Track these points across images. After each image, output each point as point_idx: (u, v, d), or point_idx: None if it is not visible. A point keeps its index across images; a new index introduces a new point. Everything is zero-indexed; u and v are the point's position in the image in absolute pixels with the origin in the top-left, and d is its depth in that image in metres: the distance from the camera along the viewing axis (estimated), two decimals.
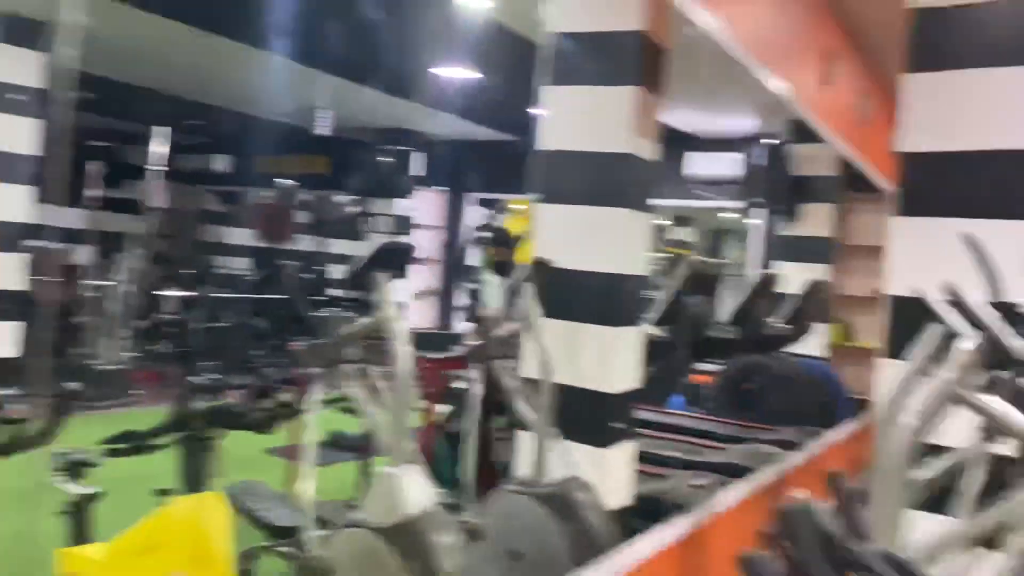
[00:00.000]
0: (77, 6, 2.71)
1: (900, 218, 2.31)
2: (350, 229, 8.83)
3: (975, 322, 1.56)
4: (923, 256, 2.26)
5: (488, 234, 8.30)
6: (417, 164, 9.01)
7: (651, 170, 2.74)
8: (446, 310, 9.65)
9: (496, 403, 2.53)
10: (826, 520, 1.08)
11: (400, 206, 8.97)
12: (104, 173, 8.67)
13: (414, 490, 1.89)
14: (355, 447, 3.42)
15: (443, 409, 3.34)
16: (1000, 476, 1.68)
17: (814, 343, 5.18)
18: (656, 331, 3.50)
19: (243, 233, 9.84)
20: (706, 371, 5.38)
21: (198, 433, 2.03)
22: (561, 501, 2.31)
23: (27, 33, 5.76)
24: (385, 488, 1.89)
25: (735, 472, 3.00)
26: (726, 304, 4.23)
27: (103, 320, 5.80)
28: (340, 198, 9.11)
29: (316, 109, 7.51)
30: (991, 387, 1.66)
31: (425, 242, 9.39)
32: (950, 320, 1.62)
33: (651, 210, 2.82)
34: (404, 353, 1.92)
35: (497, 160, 6.40)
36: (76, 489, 2.05)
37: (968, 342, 1.46)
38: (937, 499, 1.77)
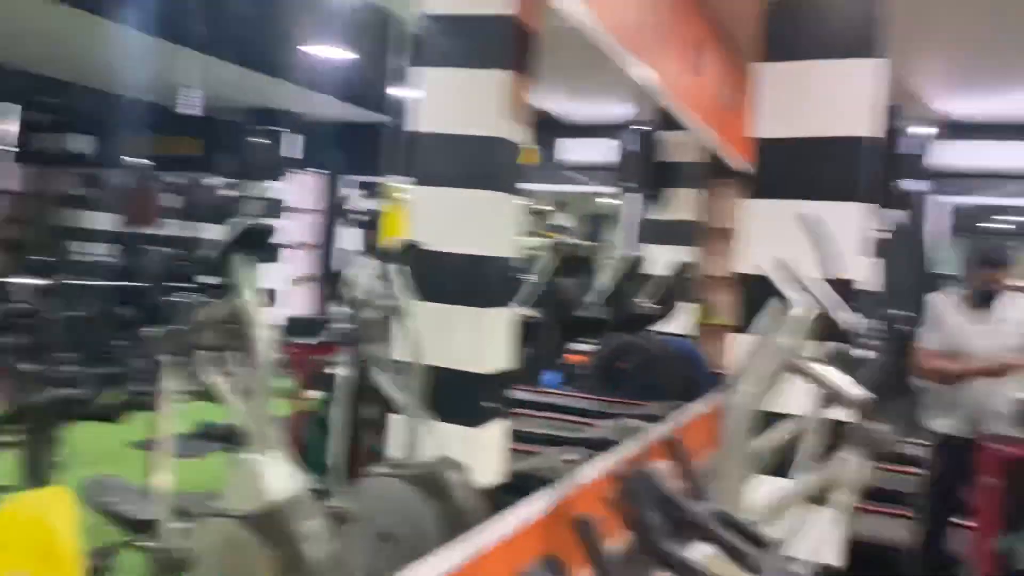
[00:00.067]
0: None
1: (751, 200, 2.44)
2: (222, 213, 8.51)
3: (810, 297, 1.67)
4: (771, 236, 2.40)
5: (364, 217, 8.20)
6: (291, 146, 8.78)
7: (519, 154, 2.77)
8: (325, 296, 9.47)
9: (367, 387, 2.52)
10: (664, 484, 1.14)
11: (273, 189, 8.72)
12: None
13: (278, 477, 1.86)
14: (226, 437, 3.32)
15: (315, 395, 3.29)
16: (835, 440, 1.82)
17: (681, 322, 5.41)
18: (530, 312, 3.56)
19: (106, 217, 9.31)
20: (581, 351, 5.53)
21: (39, 426, 1.91)
22: (432, 481, 2.33)
23: None
24: (247, 475, 1.85)
25: (604, 447, 3.09)
26: (598, 286, 4.35)
27: None
28: (212, 181, 8.76)
29: (183, 88, 7.17)
30: (828, 358, 1.79)
31: (301, 226, 9.16)
32: (789, 295, 1.74)
33: (521, 193, 2.86)
34: (264, 338, 1.88)
35: (375, 142, 6.32)
36: None
37: (801, 315, 1.57)
38: (781, 464, 1.90)
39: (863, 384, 1.54)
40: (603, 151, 7.29)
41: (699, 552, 1.30)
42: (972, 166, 6.97)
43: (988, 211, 8.07)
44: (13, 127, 7.35)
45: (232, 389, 1.89)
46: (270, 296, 7.33)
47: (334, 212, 9.56)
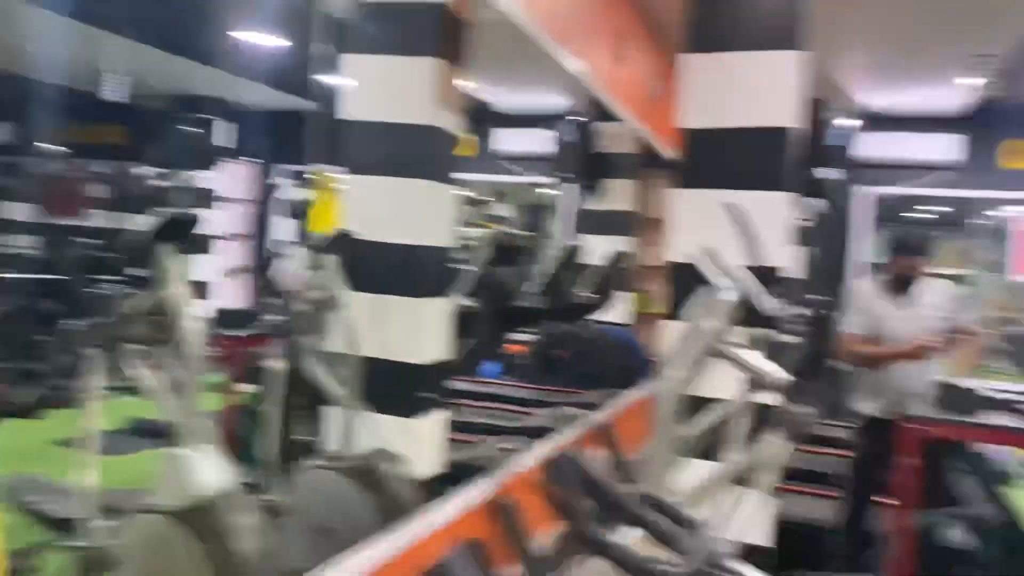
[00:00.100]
0: None
1: (679, 190, 2.49)
2: (151, 203, 8.27)
3: (734, 284, 1.72)
4: (699, 225, 2.45)
5: (297, 207, 8.05)
6: (223, 134, 8.58)
7: (454, 142, 2.77)
8: (259, 287, 9.29)
9: (301, 379, 2.49)
10: (591, 467, 1.16)
11: (204, 178, 8.52)
12: None
13: (208, 471, 1.83)
14: (155, 433, 3.24)
15: (248, 388, 3.24)
16: (760, 423, 1.87)
17: (619, 311, 5.48)
18: (467, 302, 3.56)
19: (27, 208, 8.96)
20: (521, 341, 5.56)
21: None
22: (367, 473, 2.32)
23: None
24: (176, 471, 1.82)
25: (542, 435, 3.12)
26: (535, 275, 4.38)
27: None
28: (140, 170, 8.49)
29: (108, 74, 6.94)
30: (752, 343, 1.84)
31: (234, 216, 8.97)
32: (715, 283, 1.78)
33: (458, 183, 2.86)
34: (192, 330, 1.84)
35: (311, 131, 6.22)
36: None
37: (724, 301, 1.61)
38: (711, 447, 1.95)
39: (785, 367, 1.60)
40: (540, 142, 7.31)
41: (627, 536, 1.33)
42: (895, 157, 7.23)
43: (911, 201, 8.37)
44: None
45: (160, 383, 1.85)
46: (202, 288, 7.17)
47: (268, 202, 9.38)
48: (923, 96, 6.55)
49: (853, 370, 3.67)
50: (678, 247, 2.43)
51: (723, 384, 1.88)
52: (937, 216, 8.76)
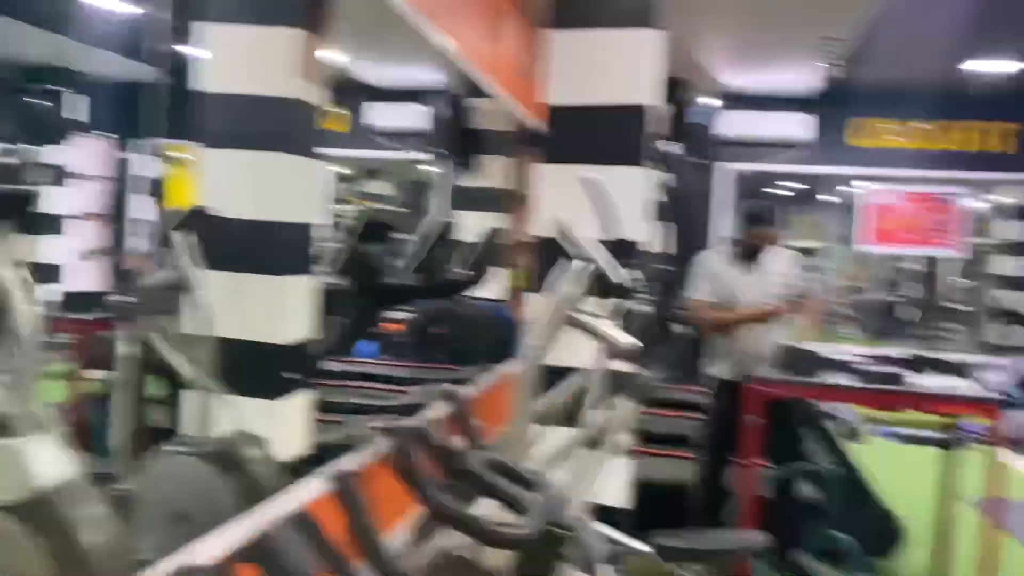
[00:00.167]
0: None
1: (543, 165, 2.52)
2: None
3: (588, 256, 1.76)
4: (562, 200, 2.49)
5: (155, 184, 7.65)
6: (74, 107, 8.03)
7: (316, 115, 2.70)
8: (117, 269, 8.80)
9: (153, 363, 2.38)
10: (437, 434, 1.17)
11: (54, 154, 7.96)
12: None
13: (46, 462, 1.73)
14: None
15: (97, 375, 3.07)
16: (613, 388, 1.94)
17: (494, 287, 5.52)
18: (334, 280, 3.50)
19: None
20: (398, 319, 5.52)
21: None
22: (227, 457, 2.25)
23: None
24: (10, 462, 1.70)
25: (413, 412, 3.12)
26: (407, 252, 4.35)
27: None
28: None
29: None
30: (606, 312, 1.90)
31: (88, 194, 8.43)
32: (573, 255, 1.82)
33: (324, 158, 2.79)
34: (26, 313, 1.72)
35: (166, 104, 5.91)
36: None
37: (579, 273, 1.65)
38: (571, 415, 2.00)
39: (633, 335, 1.65)
40: (415, 117, 7.24)
41: (485, 507, 1.35)
42: (754, 135, 7.59)
43: (770, 177, 8.82)
44: None
45: None
46: (54, 272, 6.73)
47: (124, 179, 8.87)
48: (779, 77, 6.90)
49: (700, 335, 3.85)
50: (542, 222, 2.47)
51: (582, 353, 1.93)
52: (793, 193, 9.27)
